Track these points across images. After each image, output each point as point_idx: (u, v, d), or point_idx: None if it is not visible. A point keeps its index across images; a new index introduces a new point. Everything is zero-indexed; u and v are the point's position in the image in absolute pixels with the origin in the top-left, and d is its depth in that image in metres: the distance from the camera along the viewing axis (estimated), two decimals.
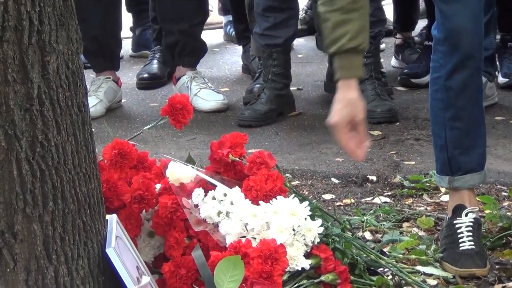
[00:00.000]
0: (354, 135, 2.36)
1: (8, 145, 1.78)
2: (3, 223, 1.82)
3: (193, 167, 2.35)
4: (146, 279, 1.98)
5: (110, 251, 1.92)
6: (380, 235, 2.77)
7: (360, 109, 2.34)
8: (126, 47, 5.19)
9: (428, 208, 3.15)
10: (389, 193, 3.29)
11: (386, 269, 2.34)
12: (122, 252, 2.00)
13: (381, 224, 2.87)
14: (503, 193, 3.20)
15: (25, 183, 1.86)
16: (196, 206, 2.18)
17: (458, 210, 2.71)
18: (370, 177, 3.41)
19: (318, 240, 2.16)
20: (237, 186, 2.25)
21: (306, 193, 3.03)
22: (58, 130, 1.87)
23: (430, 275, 2.44)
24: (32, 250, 1.84)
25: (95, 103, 4.02)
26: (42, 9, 1.84)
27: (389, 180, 3.39)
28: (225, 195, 2.17)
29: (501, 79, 4.65)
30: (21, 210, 1.82)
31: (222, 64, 5.30)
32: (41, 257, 1.85)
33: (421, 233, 2.86)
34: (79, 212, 1.93)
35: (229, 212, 2.12)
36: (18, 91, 1.77)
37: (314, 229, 2.15)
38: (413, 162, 3.65)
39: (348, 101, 2.36)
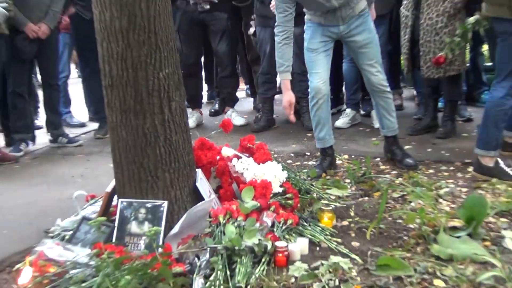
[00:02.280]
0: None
1: (155, 138, 3.01)
2: (154, 172, 3.02)
3: (232, 149, 3.59)
4: (213, 196, 3.24)
5: (198, 184, 3.20)
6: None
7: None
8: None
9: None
10: (315, 161, 4.53)
11: (313, 191, 3.67)
12: (202, 185, 3.23)
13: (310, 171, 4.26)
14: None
15: (162, 156, 3.07)
16: (233, 165, 3.46)
17: None
18: (306, 153, 5.07)
19: (284, 180, 3.44)
20: (251, 158, 3.54)
21: (280, 160, 4.24)
22: (176, 132, 3.10)
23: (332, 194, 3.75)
24: (165, 184, 3.07)
25: (191, 122, 5.65)
26: (171, 81, 3.05)
27: (315, 154, 4.66)
28: (245, 161, 3.46)
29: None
30: (160, 167, 3.04)
31: (244, 105, 7.04)
32: (169, 186, 3.08)
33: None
34: (185, 168, 3.15)
35: (247, 168, 3.43)
36: (159, 117, 3.03)
37: (283, 175, 3.43)
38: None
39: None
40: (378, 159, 4.67)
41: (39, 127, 6.06)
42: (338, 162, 4.59)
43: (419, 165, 4.45)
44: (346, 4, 4.00)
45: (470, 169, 4.28)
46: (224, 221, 3.00)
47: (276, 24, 4.10)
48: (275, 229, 3.11)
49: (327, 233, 3.25)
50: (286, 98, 4.17)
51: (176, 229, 2.97)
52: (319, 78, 4.19)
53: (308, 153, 4.96)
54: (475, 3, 4.67)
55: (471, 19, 4.63)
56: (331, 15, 4.06)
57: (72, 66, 7.32)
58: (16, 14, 5.05)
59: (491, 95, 4.14)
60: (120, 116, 3.05)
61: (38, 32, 5.20)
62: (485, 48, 6.18)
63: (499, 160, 4.14)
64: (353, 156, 4.77)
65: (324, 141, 4.36)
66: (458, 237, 3.03)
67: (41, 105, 6.10)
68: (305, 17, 4.22)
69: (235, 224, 2.98)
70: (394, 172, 4.36)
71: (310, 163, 4.64)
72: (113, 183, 3.25)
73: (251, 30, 6.00)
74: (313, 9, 4.08)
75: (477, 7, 4.61)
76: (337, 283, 2.62)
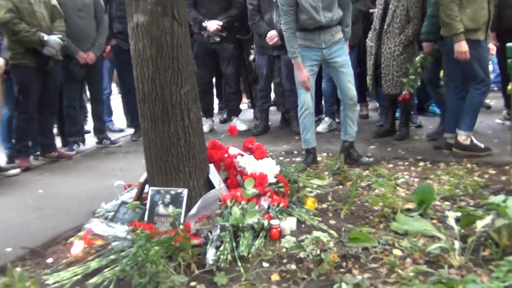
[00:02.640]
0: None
1: (177, 140, 3.02)
2: (176, 166, 3.01)
3: (237, 149, 3.59)
4: (222, 185, 3.24)
5: (210, 176, 3.19)
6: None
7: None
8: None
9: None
10: (300, 158, 4.46)
11: (299, 181, 3.64)
12: (214, 177, 3.21)
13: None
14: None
15: (182, 154, 3.06)
16: (238, 161, 3.43)
17: None
18: (294, 151, 5.00)
19: (277, 172, 3.43)
20: (251, 155, 3.54)
21: (274, 157, 3.91)
22: (193, 136, 3.10)
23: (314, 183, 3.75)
24: (185, 176, 3.07)
25: (205, 127, 5.24)
26: (190, 96, 3.03)
27: (301, 152, 4.51)
28: (246, 157, 3.46)
29: None
30: (181, 162, 3.05)
31: (246, 115, 6.91)
32: (188, 178, 3.07)
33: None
34: (200, 163, 3.15)
35: (248, 163, 3.41)
36: (180, 124, 3.03)
37: (276, 169, 3.42)
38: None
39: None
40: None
41: (88, 132, 6.09)
42: (319, 158, 4.59)
43: (381, 161, 4.45)
44: (329, 28, 4.13)
45: (421, 163, 4.29)
46: (231, 204, 3.01)
47: (282, 23, 4.14)
48: (270, 211, 3.11)
49: (311, 213, 3.26)
50: (302, 75, 4.20)
51: (193, 210, 2.98)
52: (307, 94, 4.23)
53: (296, 152, 4.95)
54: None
55: (418, 59, 4.77)
56: (317, 38, 4.16)
57: (113, 85, 7.33)
58: (69, 44, 5.08)
59: (469, 94, 4.40)
60: (150, 124, 3.06)
61: (87, 58, 5.23)
62: None
63: (472, 138, 4.45)
64: (330, 154, 4.76)
65: (308, 142, 4.40)
66: (412, 216, 3.03)
67: (89, 115, 6.11)
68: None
69: (239, 206, 2.99)
70: (361, 167, 4.35)
71: (297, 159, 4.63)
72: (145, 175, 3.26)
73: (251, 57, 6.00)
74: (306, 20, 4.12)
75: (420, 47, 4.81)
76: (318, 252, 2.60)
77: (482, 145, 4.46)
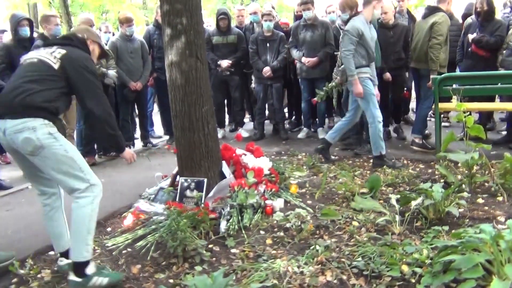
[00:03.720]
0: None
1: (199, 144, 2.94)
2: (199, 162, 2.95)
3: (241, 150, 3.52)
4: (231, 176, 3.16)
5: (223, 169, 3.14)
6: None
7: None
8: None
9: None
10: (285, 157, 4.40)
11: (286, 173, 3.53)
12: (225, 170, 3.17)
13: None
14: None
15: (203, 154, 2.97)
16: (242, 159, 3.37)
17: None
18: (282, 152, 4.71)
19: (270, 167, 3.38)
20: (252, 155, 3.47)
21: (267, 156, 3.84)
22: (211, 141, 3.04)
23: (296, 174, 3.66)
24: (205, 169, 3.00)
25: (219, 135, 5.03)
26: (208, 112, 2.98)
27: (287, 153, 4.57)
28: (248, 156, 3.40)
29: None
30: (202, 159, 2.96)
31: (248, 126, 6.03)
32: (207, 171, 3.00)
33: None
34: (216, 160, 3.11)
35: (249, 160, 3.35)
36: (202, 132, 2.97)
37: (269, 164, 3.38)
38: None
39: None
40: (320, 155, 4.48)
41: (136, 138, 6.05)
42: (299, 157, 4.50)
43: (344, 159, 4.35)
44: None
45: (371, 161, 4.17)
46: (237, 190, 2.97)
47: (350, 52, 3.76)
48: (265, 194, 3.08)
49: (294, 196, 3.23)
50: (358, 90, 3.80)
51: (211, 194, 2.96)
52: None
53: (283, 152, 4.82)
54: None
55: (331, 84, 4.38)
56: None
57: (155, 105, 7.29)
58: (124, 76, 5.05)
59: (421, 106, 4.49)
60: (180, 132, 3.04)
61: (136, 86, 5.21)
62: None
63: (423, 139, 4.49)
64: (307, 154, 4.61)
65: (383, 149, 3.96)
66: (365, 198, 3.01)
67: (137, 126, 6.08)
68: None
69: (243, 191, 2.95)
70: (329, 163, 4.26)
71: (284, 157, 4.50)
72: (176, 168, 3.22)
73: (252, 85, 5.92)
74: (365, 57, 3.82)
75: (334, 77, 4.39)
76: (299, 223, 2.62)
77: (430, 146, 4.47)
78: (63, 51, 2.05)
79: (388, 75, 4.66)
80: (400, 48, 4.68)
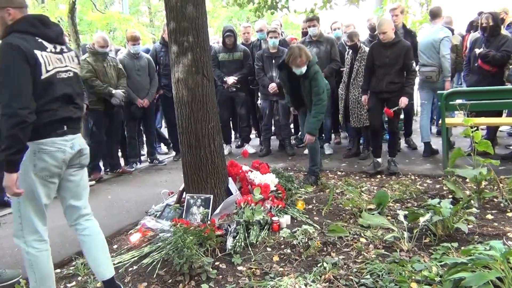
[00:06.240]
0: None
1: (206, 160, 2.94)
2: (205, 179, 2.92)
3: (247, 167, 3.54)
4: (237, 192, 3.16)
5: (229, 186, 3.13)
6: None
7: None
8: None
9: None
10: (292, 172, 4.25)
11: (292, 189, 3.53)
12: (232, 186, 3.17)
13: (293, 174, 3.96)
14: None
15: (209, 170, 2.96)
16: (248, 175, 3.37)
17: None
18: (288, 168, 4.71)
19: (276, 183, 3.36)
20: (258, 171, 3.46)
21: (274, 172, 3.73)
22: (217, 157, 3.01)
23: (303, 191, 3.63)
24: (211, 186, 2.98)
25: (225, 151, 5.11)
26: (215, 129, 2.95)
27: (294, 168, 4.53)
28: (254, 173, 3.38)
29: None
30: (208, 176, 2.93)
31: (254, 142, 6.04)
32: (214, 187, 2.97)
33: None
34: (222, 177, 3.09)
35: (256, 177, 3.35)
36: (208, 149, 2.95)
37: (275, 180, 3.36)
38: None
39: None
40: (328, 171, 4.56)
41: (143, 155, 6.07)
42: (305, 173, 4.40)
43: (350, 174, 4.34)
44: None
45: (379, 176, 4.20)
46: (244, 206, 2.97)
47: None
48: (272, 210, 3.07)
49: (301, 212, 3.21)
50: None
51: (217, 210, 2.95)
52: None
53: (289, 168, 4.81)
54: None
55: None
56: None
57: (163, 121, 7.33)
58: (131, 94, 5.11)
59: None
60: (187, 149, 3.03)
61: (143, 103, 5.25)
62: None
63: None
64: None
65: None
66: (373, 214, 2.99)
67: (144, 142, 6.10)
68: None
69: (250, 207, 2.94)
70: (336, 178, 4.25)
71: (291, 173, 4.44)
72: (183, 185, 3.22)
73: (258, 101, 5.94)
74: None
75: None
76: (306, 240, 2.60)
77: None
78: None
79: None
80: (396, 71, 4.07)
